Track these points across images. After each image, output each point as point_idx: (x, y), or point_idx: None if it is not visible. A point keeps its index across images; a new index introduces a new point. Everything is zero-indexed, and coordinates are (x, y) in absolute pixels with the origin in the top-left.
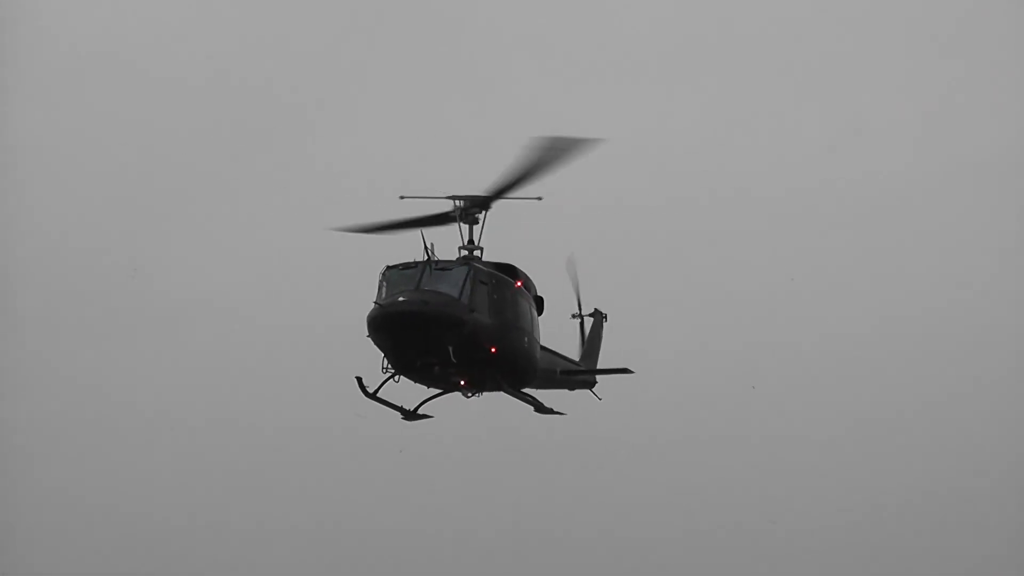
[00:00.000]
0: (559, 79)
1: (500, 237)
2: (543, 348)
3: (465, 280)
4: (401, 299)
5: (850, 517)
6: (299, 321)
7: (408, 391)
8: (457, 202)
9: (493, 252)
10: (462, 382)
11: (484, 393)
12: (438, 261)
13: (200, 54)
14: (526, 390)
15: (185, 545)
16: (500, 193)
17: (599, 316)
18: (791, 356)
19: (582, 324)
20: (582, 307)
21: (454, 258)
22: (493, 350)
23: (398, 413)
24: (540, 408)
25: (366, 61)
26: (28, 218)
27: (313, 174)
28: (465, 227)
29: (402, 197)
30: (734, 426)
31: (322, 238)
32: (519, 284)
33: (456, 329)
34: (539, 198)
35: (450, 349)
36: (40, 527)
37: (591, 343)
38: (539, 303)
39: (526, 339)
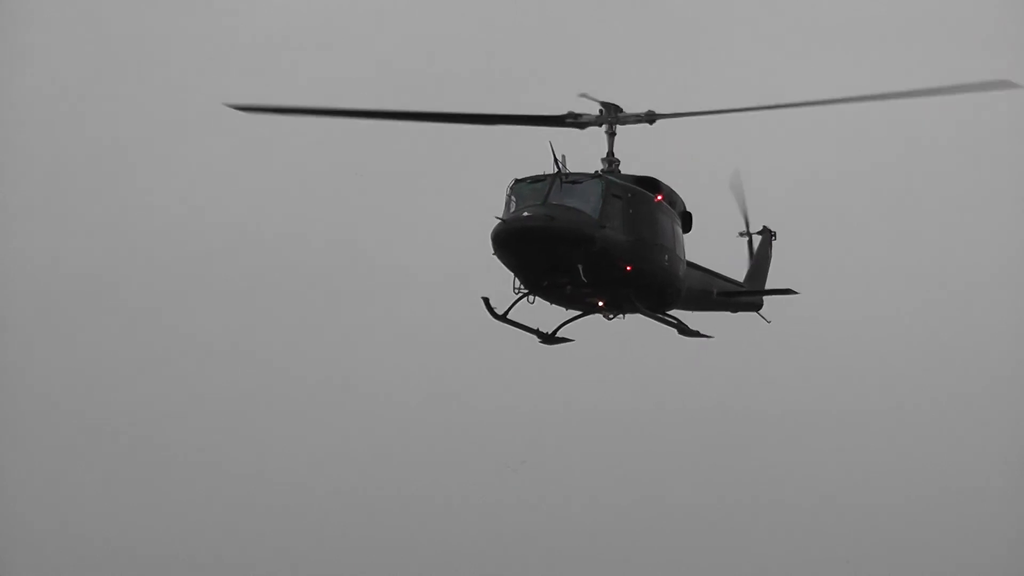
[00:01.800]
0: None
1: (647, 149)
2: (697, 267)
3: (597, 193)
4: (525, 214)
5: None
6: None
7: (548, 313)
8: (602, 109)
9: (638, 164)
10: (599, 303)
11: (627, 315)
12: (569, 174)
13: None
14: (673, 312)
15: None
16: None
17: (767, 234)
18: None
19: (750, 242)
20: (749, 224)
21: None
22: (628, 268)
23: (535, 337)
24: (684, 330)
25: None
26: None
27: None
28: (605, 138)
29: (582, 95)
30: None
31: None
32: (659, 198)
33: (584, 246)
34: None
35: (580, 267)
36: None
37: (758, 263)
38: (686, 219)
39: (666, 257)
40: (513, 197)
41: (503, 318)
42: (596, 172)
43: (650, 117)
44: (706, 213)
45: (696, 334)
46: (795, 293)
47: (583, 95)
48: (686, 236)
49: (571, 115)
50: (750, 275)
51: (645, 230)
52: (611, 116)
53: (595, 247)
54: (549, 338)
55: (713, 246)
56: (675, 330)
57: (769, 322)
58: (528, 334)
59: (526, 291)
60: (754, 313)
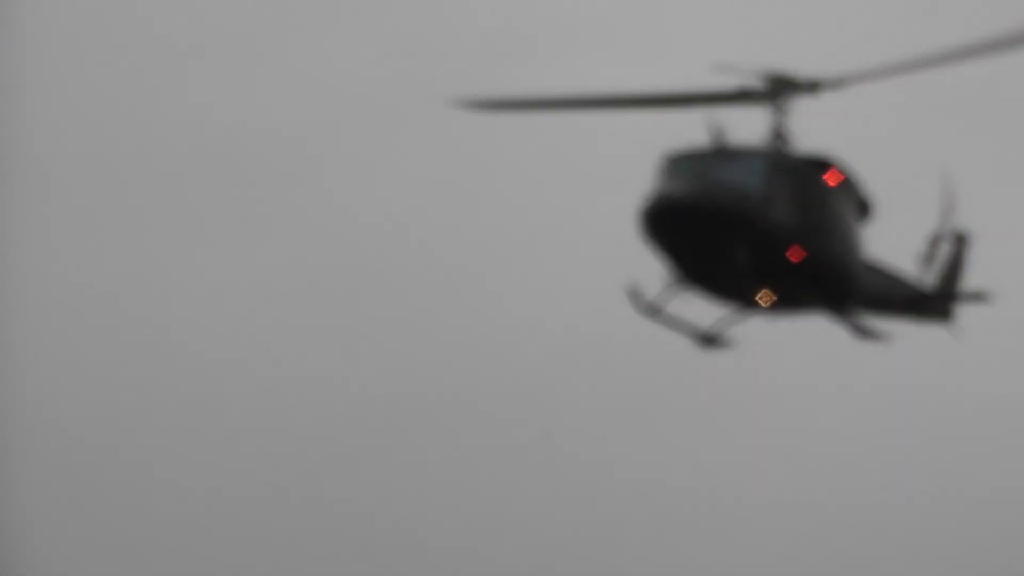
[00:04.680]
0: None
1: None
2: (879, 267)
3: (762, 168)
4: (677, 190)
5: None
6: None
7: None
8: (769, 80)
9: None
10: (763, 298)
11: (795, 315)
12: (728, 146)
13: None
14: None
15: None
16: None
17: (962, 238)
18: None
19: (934, 245)
20: (945, 228)
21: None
22: (795, 256)
23: (689, 339)
24: (861, 332)
25: None
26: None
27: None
28: (774, 113)
29: (714, 66)
30: None
31: None
32: (835, 177)
33: (747, 227)
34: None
35: (739, 252)
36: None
37: (950, 269)
38: (865, 207)
39: (839, 245)
40: (662, 172)
41: (651, 313)
42: (760, 146)
43: (814, 85)
44: (892, 207)
45: (874, 337)
46: (987, 299)
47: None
48: (866, 228)
49: (745, 90)
50: (940, 283)
51: (817, 212)
52: (779, 86)
53: (759, 229)
54: (707, 341)
55: (896, 247)
56: (850, 331)
57: (960, 338)
58: (681, 335)
59: (677, 282)
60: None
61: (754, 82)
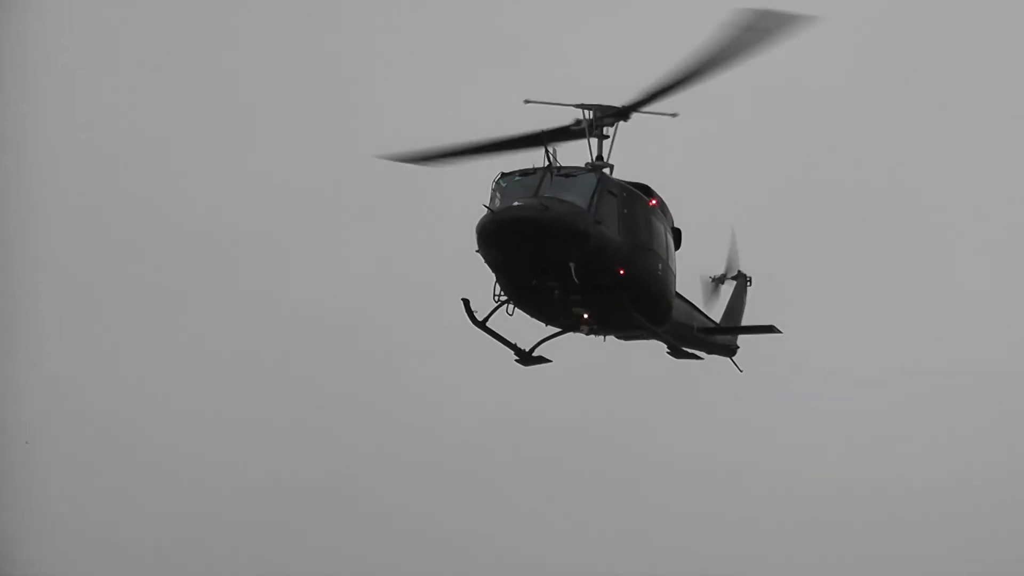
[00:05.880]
0: None
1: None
2: (680, 297)
3: (591, 187)
4: (516, 204)
5: None
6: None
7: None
8: (586, 112)
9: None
10: (584, 315)
11: (606, 337)
12: (561, 167)
13: None
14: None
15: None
16: (645, 102)
17: (742, 279)
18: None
19: (716, 288)
20: (728, 270)
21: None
22: (621, 272)
23: (512, 353)
24: (676, 351)
25: None
26: None
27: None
28: (594, 141)
29: (527, 101)
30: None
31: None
32: (654, 202)
33: (579, 242)
34: (674, 114)
35: (572, 267)
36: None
37: (732, 309)
38: (676, 235)
39: (660, 266)
40: (498, 192)
41: (482, 325)
42: (589, 165)
43: (624, 112)
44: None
45: (687, 355)
46: (777, 332)
47: (528, 101)
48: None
49: (576, 122)
50: (723, 321)
51: (640, 233)
52: (595, 117)
53: (590, 244)
54: (526, 356)
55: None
56: (665, 348)
57: (741, 371)
58: (505, 348)
59: (506, 299)
60: (726, 359)
61: (573, 115)
